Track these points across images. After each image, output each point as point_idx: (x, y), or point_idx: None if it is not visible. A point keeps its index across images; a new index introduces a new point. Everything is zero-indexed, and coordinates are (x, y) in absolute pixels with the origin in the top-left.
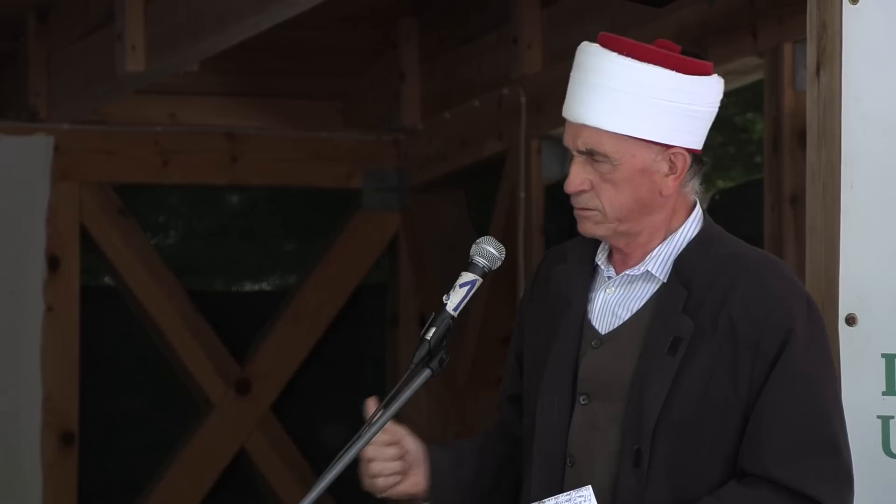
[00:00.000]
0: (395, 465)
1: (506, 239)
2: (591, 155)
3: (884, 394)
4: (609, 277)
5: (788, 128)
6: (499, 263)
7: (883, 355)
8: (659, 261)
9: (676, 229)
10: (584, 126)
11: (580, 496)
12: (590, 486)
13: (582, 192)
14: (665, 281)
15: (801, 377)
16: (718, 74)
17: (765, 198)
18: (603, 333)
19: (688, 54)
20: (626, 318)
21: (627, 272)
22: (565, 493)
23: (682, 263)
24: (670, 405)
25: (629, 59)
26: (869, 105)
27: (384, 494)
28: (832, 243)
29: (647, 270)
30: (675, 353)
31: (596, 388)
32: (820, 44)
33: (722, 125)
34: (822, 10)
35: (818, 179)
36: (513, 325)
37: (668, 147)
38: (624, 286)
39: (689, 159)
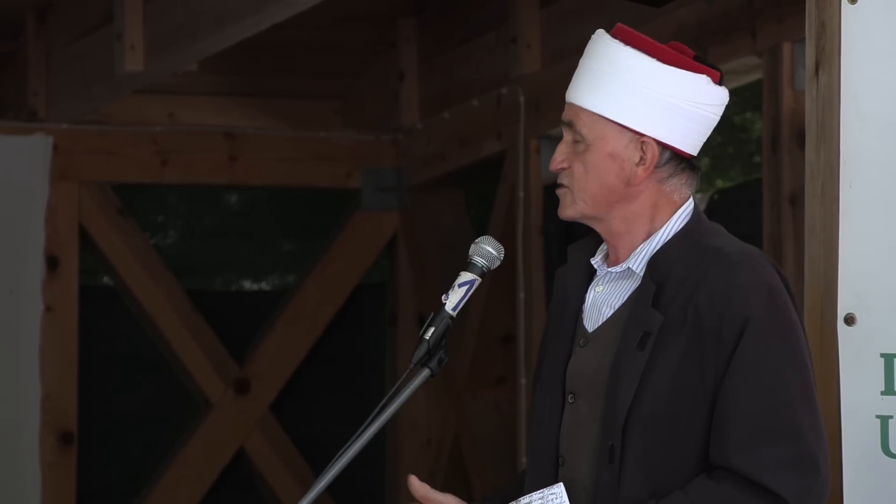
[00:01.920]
0: None
1: (504, 239)
2: (571, 132)
3: (883, 393)
4: (599, 276)
5: (787, 127)
6: (497, 263)
7: (882, 355)
8: (640, 257)
9: (660, 227)
10: (571, 104)
11: (552, 493)
12: (561, 484)
13: (562, 169)
14: (641, 277)
15: (759, 365)
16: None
17: (763, 197)
18: (588, 332)
19: (699, 61)
20: (609, 315)
21: (610, 270)
22: (538, 492)
23: (659, 259)
24: (640, 399)
25: (617, 41)
26: (868, 104)
27: None
28: (831, 243)
29: (629, 267)
30: (644, 347)
31: (580, 387)
32: (819, 43)
33: (721, 125)
34: (820, 10)
35: (817, 179)
36: (511, 325)
37: (641, 136)
38: (610, 284)
39: (658, 151)
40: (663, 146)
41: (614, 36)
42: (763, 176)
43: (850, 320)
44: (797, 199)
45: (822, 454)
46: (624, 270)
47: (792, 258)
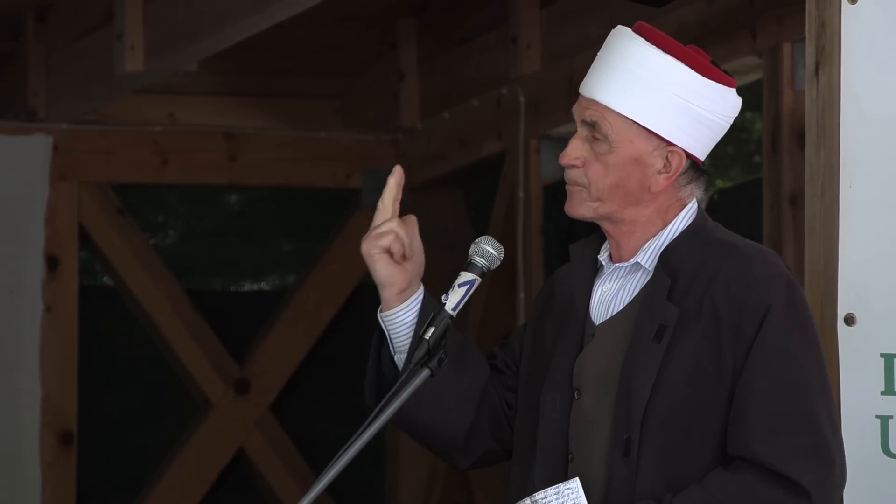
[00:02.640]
0: (404, 240)
1: (504, 239)
2: (592, 130)
3: (883, 393)
4: (606, 271)
5: (787, 127)
6: (497, 263)
7: (882, 355)
8: (649, 252)
9: (668, 223)
10: (594, 101)
11: (568, 489)
12: (577, 479)
13: (573, 167)
14: (653, 271)
15: (778, 355)
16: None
17: (764, 198)
18: (596, 326)
19: (715, 66)
20: (618, 310)
21: (618, 265)
22: (554, 487)
23: (670, 253)
24: (658, 392)
25: (654, 47)
26: (868, 105)
27: (377, 257)
28: (831, 243)
29: (637, 262)
30: (661, 340)
31: (588, 382)
32: (819, 43)
33: None
34: (820, 10)
35: (817, 179)
36: (511, 325)
37: (668, 144)
38: (618, 280)
39: (684, 161)
40: (687, 156)
41: (644, 37)
42: (763, 176)
43: (850, 320)
44: (797, 199)
45: (837, 445)
46: (632, 265)
47: (792, 258)
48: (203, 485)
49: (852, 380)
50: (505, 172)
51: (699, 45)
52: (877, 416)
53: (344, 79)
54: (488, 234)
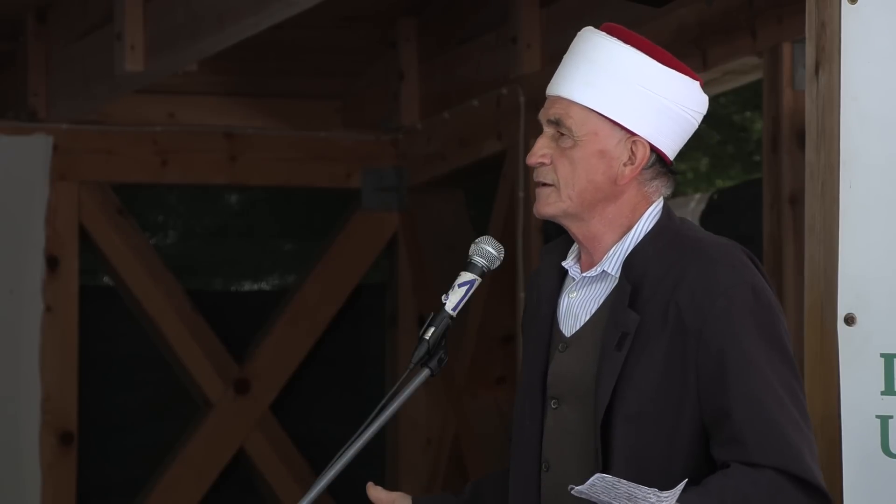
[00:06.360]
0: None
1: (505, 238)
2: (556, 126)
3: (883, 393)
4: (573, 280)
5: (787, 127)
6: (497, 263)
7: (882, 355)
8: (614, 259)
9: (632, 226)
10: (558, 98)
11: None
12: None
13: (542, 164)
14: (618, 278)
15: (750, 364)
16: (717, 74)
17: (764, 197)
18: (567, 337)
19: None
20: (587, 319)
21: (585, 274)
22: (599, 483)
23: (634, 259)
24: (624, 399)
25: (615, 39)
26: (868, 105)
27: None
28: (831, 243)
29: (604, 270)
30: (622, 348)
31: (564, 392)
32: (819, 43)
33: (721, 124)
34: (821, 10)
35: (817, 179)
36: (511, 325)
37: (632, 135)
38: (584, 288)
39: (648, 152)
40: (652, 148)
41: (609, 33)
42: (763, 176)
43: (850, 320)
44: (797, 199)
45: (815, 445)
46: (599, 274)
47: (792, 258)
48: (203, 484)
49: (852, 380)
50: (505, 172)
51: (699, 45)
52: (877, 416)
53: (344, 79)
54: (488, 234)
